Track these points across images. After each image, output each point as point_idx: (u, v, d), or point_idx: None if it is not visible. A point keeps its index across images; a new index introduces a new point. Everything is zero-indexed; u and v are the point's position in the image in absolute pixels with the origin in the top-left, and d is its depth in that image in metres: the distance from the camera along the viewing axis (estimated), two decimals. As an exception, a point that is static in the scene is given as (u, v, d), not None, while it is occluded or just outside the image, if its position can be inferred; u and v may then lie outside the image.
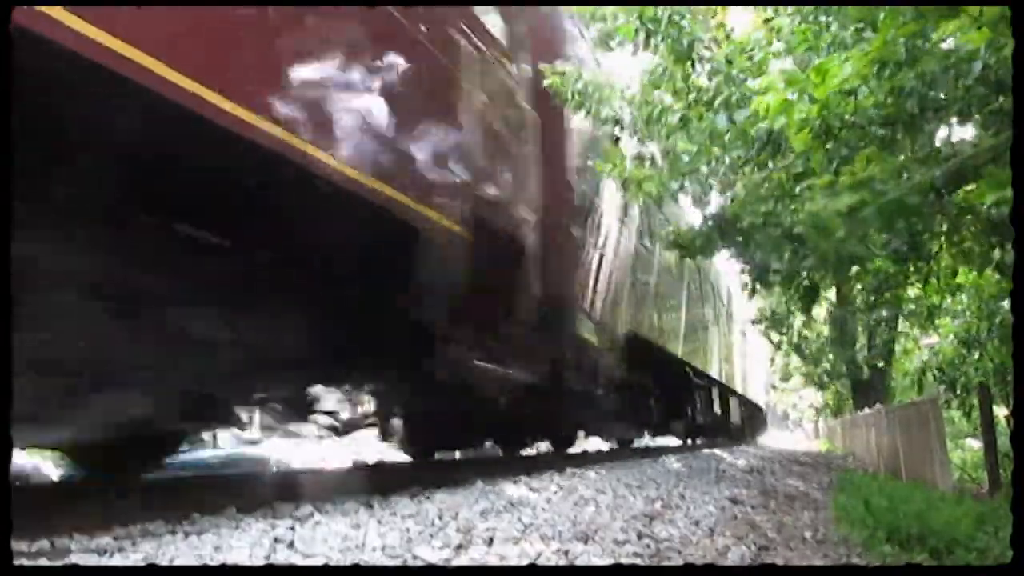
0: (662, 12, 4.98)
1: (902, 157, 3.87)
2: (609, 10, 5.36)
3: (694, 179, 5.69)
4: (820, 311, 17.11)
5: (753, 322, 20.42)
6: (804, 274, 6.11)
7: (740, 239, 5.78)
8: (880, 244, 4.64)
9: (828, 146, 3.88)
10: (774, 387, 34.76)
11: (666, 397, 11.12)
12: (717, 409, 15.66)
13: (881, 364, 17.41)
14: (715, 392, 15.40)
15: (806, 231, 4.58)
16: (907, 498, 5.91)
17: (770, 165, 5.04)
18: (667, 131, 5.49)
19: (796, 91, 3.73)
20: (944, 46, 3.57)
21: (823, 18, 4.52)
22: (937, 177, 3.77)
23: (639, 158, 6.53)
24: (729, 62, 5.02)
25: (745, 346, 22.84)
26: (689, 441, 16.53)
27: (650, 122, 5.65)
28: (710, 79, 5.22)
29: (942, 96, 3.55)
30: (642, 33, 5.07)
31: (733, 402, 18.17)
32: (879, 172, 3.29)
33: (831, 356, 20.27)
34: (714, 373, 15.47)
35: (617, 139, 6.73)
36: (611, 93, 6.00)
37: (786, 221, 4.95)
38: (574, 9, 6.76)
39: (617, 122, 6.22)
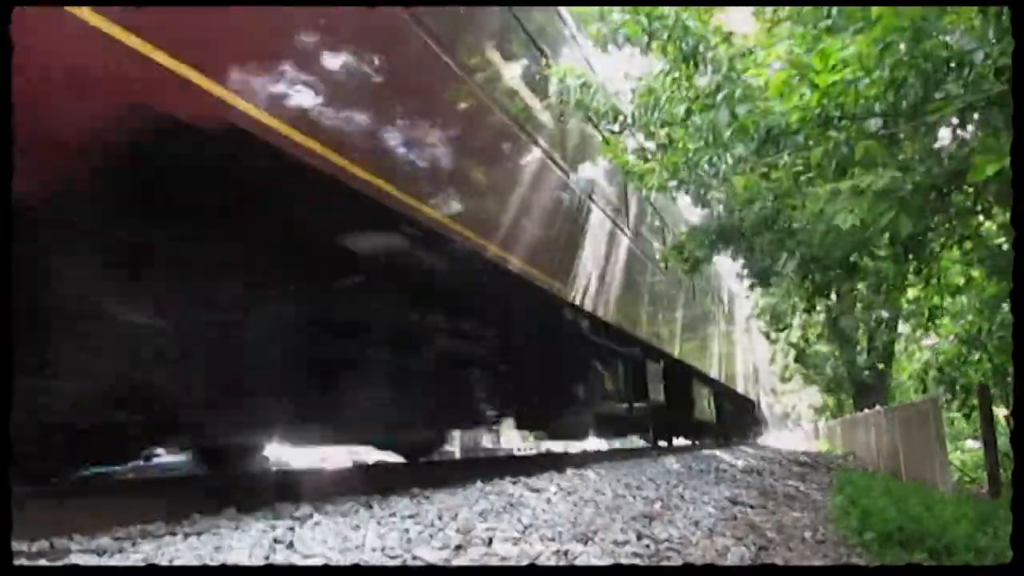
0: (669, 11, 4.98)
1: (901, 157, 3.89)
2: (615, 11, 5.37)
3: (695, 176, 5.71)
4: (818, 314, 16.83)
5: (752, 317, 20.36)
6: (814, 275, 6.15)
7: (742, 241, 5.80)
8: (885, 240, 4.66)
9: (829, 136, 3.89)
10: (774, 391, 34.75)
11: (550, 376, 6.73)
12: (683, 404, 12.01)
13: (881, 366, 17.42)
14: (672, 379, 11.09)
15: (810, 232, 4.62)
16: (904, 499, 5.91)
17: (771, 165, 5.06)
18: (670, 123, 5.50)
19: (798, 74, 3.74)
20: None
21: (823, 23, 4.55)
22: (939, 174, 3.78)
23: (640, 150, 6.55)
24: (731, 60, 5.04)
25: (745, 342, 21.86)
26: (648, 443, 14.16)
27: (651, 118, 5.67)
28: (711, 77, 5.23)
29: (942, 91, 3.55)
30: (645, 36, 5.08)
31: (704, 391, 14.08)
32: (883, 180, 3.31)
33: (833, 361, 20.26)
34: (686, 360, 11.76)
35: (615, 132, 6.72)
36: (606, 94, 6.03)
37: (786, 223, 4.97)
38: (574, 9, 6.77)
39: (616, 116, 6.24)
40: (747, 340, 22.76)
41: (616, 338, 8.10)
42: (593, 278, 7.21)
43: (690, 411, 12.63)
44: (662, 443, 14.66)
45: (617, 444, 15.09)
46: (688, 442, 16.43)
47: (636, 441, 15.70)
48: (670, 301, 11.25)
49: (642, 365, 9.32)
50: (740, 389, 19.79)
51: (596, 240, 7.43)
